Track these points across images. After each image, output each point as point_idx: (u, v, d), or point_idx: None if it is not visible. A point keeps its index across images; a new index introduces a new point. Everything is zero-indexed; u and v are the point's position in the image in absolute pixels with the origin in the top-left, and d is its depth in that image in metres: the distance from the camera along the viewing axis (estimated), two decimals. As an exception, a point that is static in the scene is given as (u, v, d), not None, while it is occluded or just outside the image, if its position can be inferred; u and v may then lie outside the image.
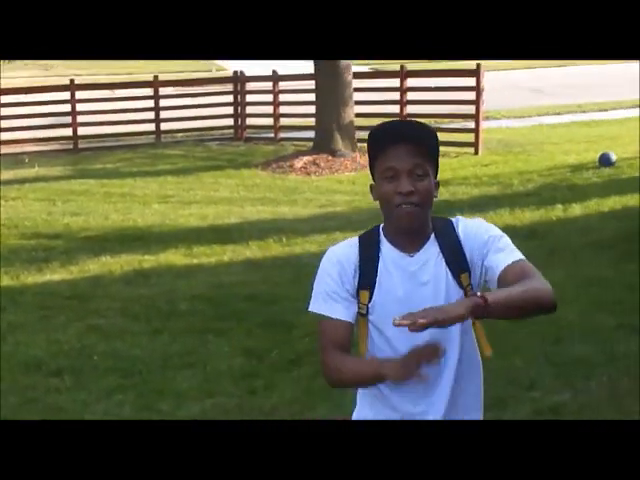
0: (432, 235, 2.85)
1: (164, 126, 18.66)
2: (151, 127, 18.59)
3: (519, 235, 9.67)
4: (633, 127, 16.70)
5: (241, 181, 14.53)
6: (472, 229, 2.84)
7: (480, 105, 15.71)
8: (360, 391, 2.97)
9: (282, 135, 18.43)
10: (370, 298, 2.82)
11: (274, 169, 15.51)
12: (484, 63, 15.94)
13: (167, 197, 13.52)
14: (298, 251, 9.83)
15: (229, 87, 19.48)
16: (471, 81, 15.76)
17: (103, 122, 18.02)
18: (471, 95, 15.79)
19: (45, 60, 16.41)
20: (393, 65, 17.92)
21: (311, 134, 16.69)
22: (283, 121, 18.62)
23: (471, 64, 15.91)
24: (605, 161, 13.36)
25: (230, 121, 19.12)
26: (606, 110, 20.81)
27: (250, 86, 19.55)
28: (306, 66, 16.42)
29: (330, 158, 15.63)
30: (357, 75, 17.03)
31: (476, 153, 15.51)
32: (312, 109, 16.61)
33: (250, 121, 19.25)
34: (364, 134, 16.88)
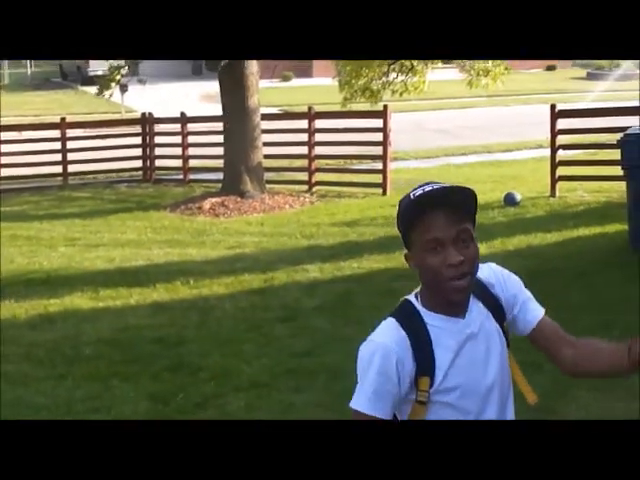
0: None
1: (72, 168, 18.42)
2: (58, 169, 18.35)
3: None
4: (537, 167, 17.08)
5: (149, 223, 14.42)
6: (496, 274, 2.76)
7: (387, 146, 15.89)
8: None
9: (191, 177, 18.36)
10: (432, 384, 2.58)
11: (182, 211, 15.43)
12: (391, 105, 16.18)
13: (74, 240, 13.34)
14: (206, 293, 9.78)
15: (137, 129, 19.36)
16: (378, 122, 15.92)
17: (9, 164, 17.71)
18: (378, 136, 15.96)
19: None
20: (301, 107, 18.01)
21: (220, 175, 16.67)
22: (192, 162, 18.57)
23: (378, 107, 16.12)
24: (510, 200, 13.60)
25: (139, 163, 18.98)
26: (511, 151, 21.24)
27: (159, 127, 19.45)
28: (215, 109, 16.41)
29: (239, 199, 15.61)
30: (265, 117, 17.12)
31: (384, 193, 15.65)
32: (221, 150, 16.60)
33: (159, 163, 19.12)
34: (272, 175, 17.05)
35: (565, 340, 2.75)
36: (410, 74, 16.73)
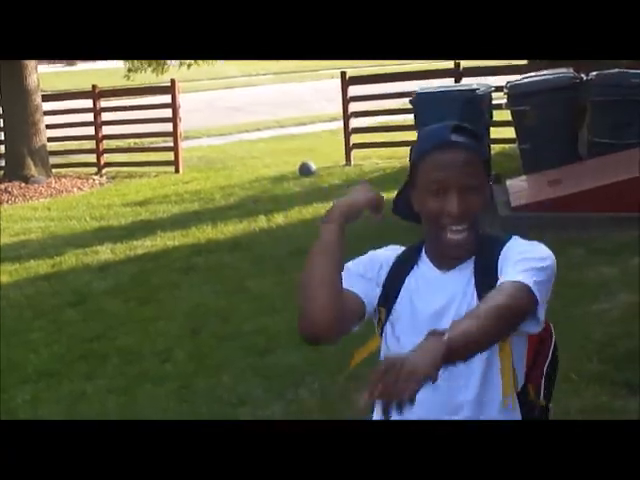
0: (475, 256, 2.41)
1: None
2: None
3: (223, 248, 9.47)
4: (332, 139, 17.02)
5: None
6: (511, 249, 2.35)
7: (177, 122, 15.37)
8: None
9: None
10: (386, 319, 2.44)
11: (-36, 200, 14.48)
12: (181, 85, 15.67)
13: None
14: (-12, 283, 9.06)
15: None
16: (166, 98, 15.39)
17: None
18: (168, 112, 15.41)
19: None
20: (85, 86, 17.22)
21: (1, 162, 15.82)
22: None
23: (165, 80, 15.57)
24: (305, 171, 13.44)
25: None
26: (305, 124, 21.13)
27: None
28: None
29: (23, 185, 14.85)
30: (47, 98, 16.35)
31: (177, 171, 15.16)
32: (1, 136, 15.73)
33: None
34: (58, 159, 16.26)
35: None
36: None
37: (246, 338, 6.70)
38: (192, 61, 16.30)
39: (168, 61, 15.92)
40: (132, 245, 10.02)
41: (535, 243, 2.39)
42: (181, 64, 16.15)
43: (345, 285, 2.36)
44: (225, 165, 15.55)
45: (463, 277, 2.38)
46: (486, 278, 2.32)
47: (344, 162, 14.27)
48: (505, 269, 2.29)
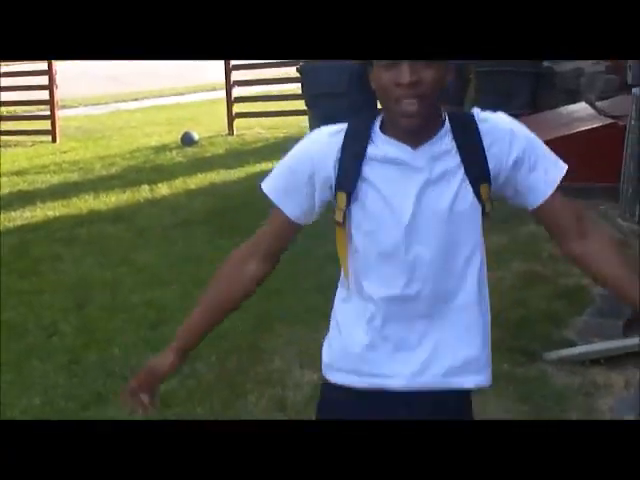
0: (445, 126, 2.26)
1: None
2: None
3: (105, 219, 9.22)
4: (213, 108, 16.81)
5: None
6: (501, 130, 2.25)
7: (54, 90, 14.89)
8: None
9: None
10: (348, 202, 2.27)
11: None
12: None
13: None
14: None
15: None
16: (42, 65, 14.87)
17: None
18: (44, 80, 14.91)
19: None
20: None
21: None
22: None
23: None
24: (188, 141, 13.25)
25: None
26: (184, 94, 20.82)
27: None
28: None
29: None
30: None
31: (54, 141, 14.71)
32: None
33: None
34: None
35: (574, 234, 2.33)
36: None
37: (135, 311, 6.51)
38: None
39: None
40: (10, 216, 9.65)
41: (504, 117, 2.33)
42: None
43: (282, 205, 2.35)
44: (104, 135, 15.19)
45: (444, 150, 2.26)
46: (474, 159, 2.25)
47: (226, 132, 14.10)
48: (528, 180, 2.29)
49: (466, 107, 10.86)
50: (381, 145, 2.26)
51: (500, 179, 2.28)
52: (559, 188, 2.31)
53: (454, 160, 2.24)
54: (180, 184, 10.62)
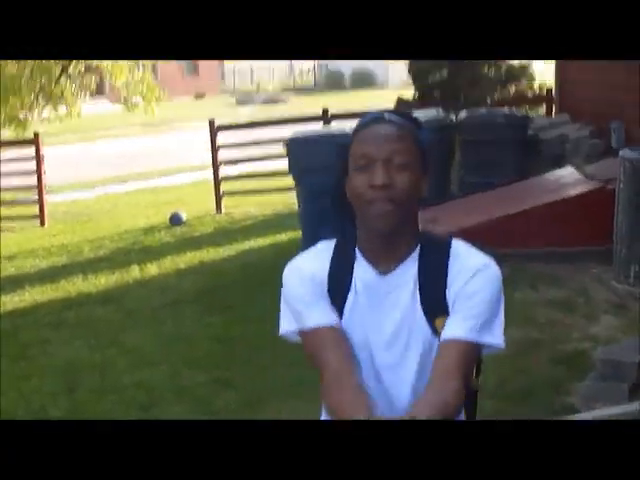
0: (416, 251, 2.23)
1: None
2: None
3: (94, 301, 9.12)
4: (200, 188, 16.80)
5: None
6: (468, 270, 2.19)
7: (42, 175, 14.91)
8: None
9: None
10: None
11: None
12: (46, 139, 15.22)
13: None
14: None
15: None
16: (30, 151, 14.93)
17: None
18: (32, 165, 14.94)
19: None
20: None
21: None
22: None
23: (29, 135, 15.10)
24: (176, 220, 13.20)
25: None
26: (170, 175, 20.82)
27: None
28: None
29: None
30: None
31: (42, 225, 14.67)
32: None
33: None
34: None
35: (433, 378, 2.18)
36: (60, 103, 15.80)
37: (125, 392, 6.42)
38: (53, 115, 15.80)
39: (29, 117, 15.38)
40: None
41: (481, 258, 2.26)
42: (42, 121, 15.65)
43: (319, 320, 2.24)
44: (91, 218, 15.14)
45: (407, 280, 2.22)
46: (433, 290, 2.19)
47: (214, 211, 14.08)
48: (453, 316, 2.19)
49: (452, 174, 10.90)
50: (358, 267, 2.24)
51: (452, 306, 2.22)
52: (467, 346, 2.19)
53: (414, 292, 2.21)
54: (169, 264, 10.55)
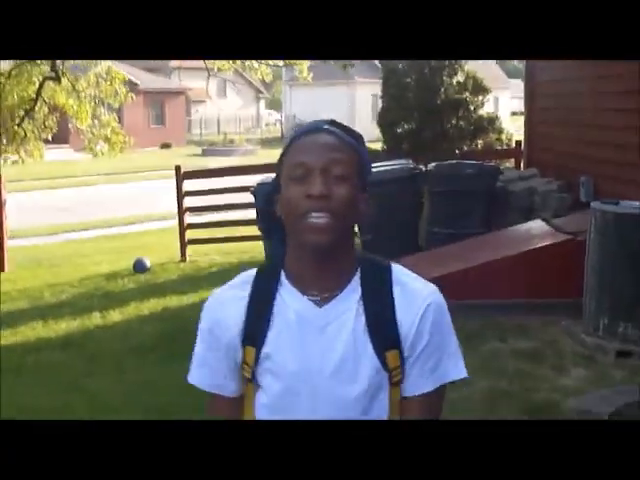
0: (356, 276, 2.05)
1: None
2: None
3: (54, 346, 8.93)
4: (164, 236, 16.71)
5: None
6: (414, 300, 2.03)
7: (3, 219, 14.71)
8: None
9: None
10: (257, 358, 2.06)
11: None
12: (7, 185, 15.05)
13: None
14: None
15: None
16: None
17: None
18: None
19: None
20: None
21: None
22: None
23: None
24: (140, 267, 13.05)
25: None
26: (134, 223, 20.70)
27: None
28: None
29: None
30: None
31: (2, 270, 14.44)
32: None
33: None
34: None
35: None
36: (22, 144, 15.67)
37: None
38: (16, 159, 15.64)
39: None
40: (-44, 347, 9.33)
41: (424, 286, 2.11)
42: (5, 162, 15.48)
43: (209, 387, 2.20)
44: (53, 263, 14.94)
45: (349, 309, 2.05)
46: (381, 323, 2.03)
47: (179, 258, 13.94)
48: (414, 365, 2.06)
49: (420, 224, 10.85)
50: (286, 296, 2.07)
51: (407, 344, 2.06)
52: (437, 393, 2.09)
53: (359, 323, 2.04)
54: (132, 310, 10.40)
